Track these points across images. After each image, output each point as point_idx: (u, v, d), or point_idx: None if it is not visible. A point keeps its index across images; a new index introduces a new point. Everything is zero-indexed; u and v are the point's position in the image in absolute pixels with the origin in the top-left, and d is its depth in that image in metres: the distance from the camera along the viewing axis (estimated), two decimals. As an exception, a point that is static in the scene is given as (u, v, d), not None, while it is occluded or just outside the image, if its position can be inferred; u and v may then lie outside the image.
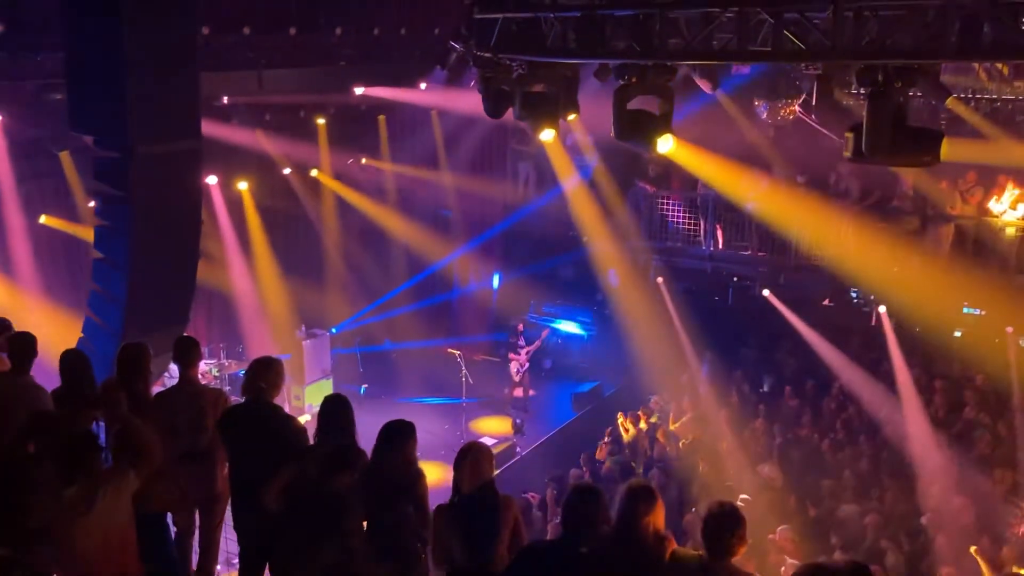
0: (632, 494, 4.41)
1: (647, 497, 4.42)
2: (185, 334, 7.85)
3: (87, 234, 10.43)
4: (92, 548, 4.43)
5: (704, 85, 9.05)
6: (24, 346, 6.08)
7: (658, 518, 4.40)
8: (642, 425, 13.42)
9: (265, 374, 5.62)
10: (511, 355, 15.89)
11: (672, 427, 13.15)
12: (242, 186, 14.52)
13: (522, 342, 15.87)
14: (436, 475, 12.66)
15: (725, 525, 4.23)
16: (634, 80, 7.07)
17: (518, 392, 15.87)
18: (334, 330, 16.27)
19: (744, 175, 14.81)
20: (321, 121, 15.44)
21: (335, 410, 5.31)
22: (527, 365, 15.88)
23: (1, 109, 10.59)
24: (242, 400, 5.74)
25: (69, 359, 6.13)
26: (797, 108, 12.87)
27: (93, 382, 6.11)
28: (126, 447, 4.78)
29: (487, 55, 8.04)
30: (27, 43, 10.12)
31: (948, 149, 6.30)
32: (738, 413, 13.18)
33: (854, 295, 15.10)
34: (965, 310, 14.66)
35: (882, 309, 13.89)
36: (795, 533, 9.71)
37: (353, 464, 4.89)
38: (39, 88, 10.66)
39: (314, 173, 15.98)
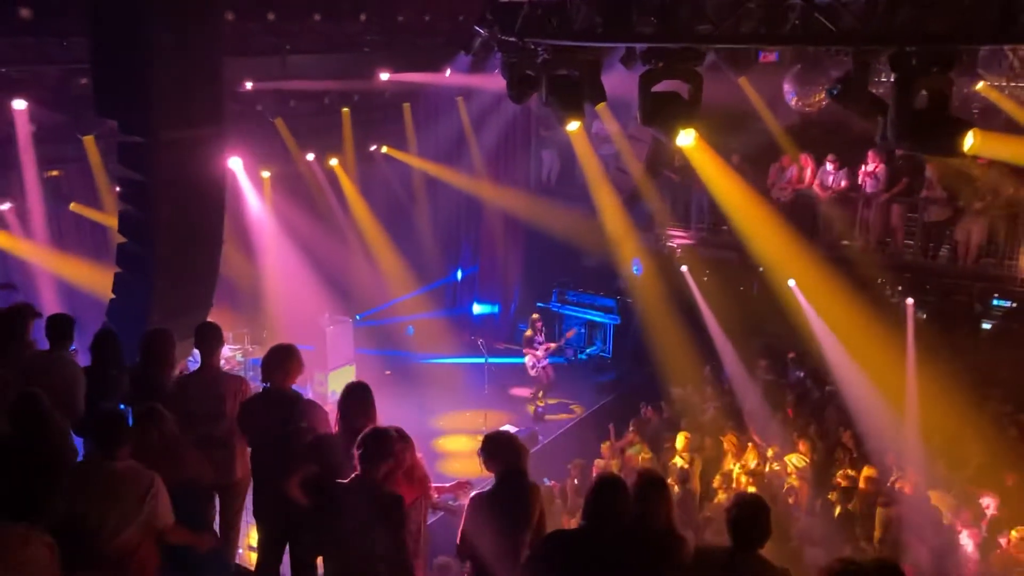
0: (644, 483, 4.39)
1: (660, 485, 4.42)
2: (209, 319, 7.88)
3: (112, 220, 10.47)
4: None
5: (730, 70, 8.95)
6: (59, 325, 6.19)
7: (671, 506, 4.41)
8: (665, 416, 13.35)
9: (284, 361, 5.60)
10: (526, 350, 15.27)
11: (699, 419, 13.08)
12: (265, 173, 14.54)
13: (540, 338, 15.34)
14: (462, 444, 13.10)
15: (752, 516, 4.17)
16: (660, 65, 6.98)
17: (534, 387, 15.51)
18: (358, 317, 16.27)
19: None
20: (345, 109, 15.42)
21: (357, 397, 5.27)
22: (545, 362, 15.23)
23: (28, 95, 10.62)
24: (263, 387, 5.73)
25: (99, 338, 6.29)
26: (825, 95, 12.66)
27: (121, 361, 6.16)
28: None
29: (512, 40, 7.98)
30: (54, 28, 10.16)
31: (982, 143, 6.17)
32: (762, 404, 13.06)
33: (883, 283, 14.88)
34: (995, 302, 14.45)
35: (909, 301, 13.70)
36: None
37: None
38: (65, 73, 10.71)
39: (334, 162, 15.95)
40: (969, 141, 5.97)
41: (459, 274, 18.93)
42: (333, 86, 14.61)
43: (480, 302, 18.87)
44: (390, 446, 4.68)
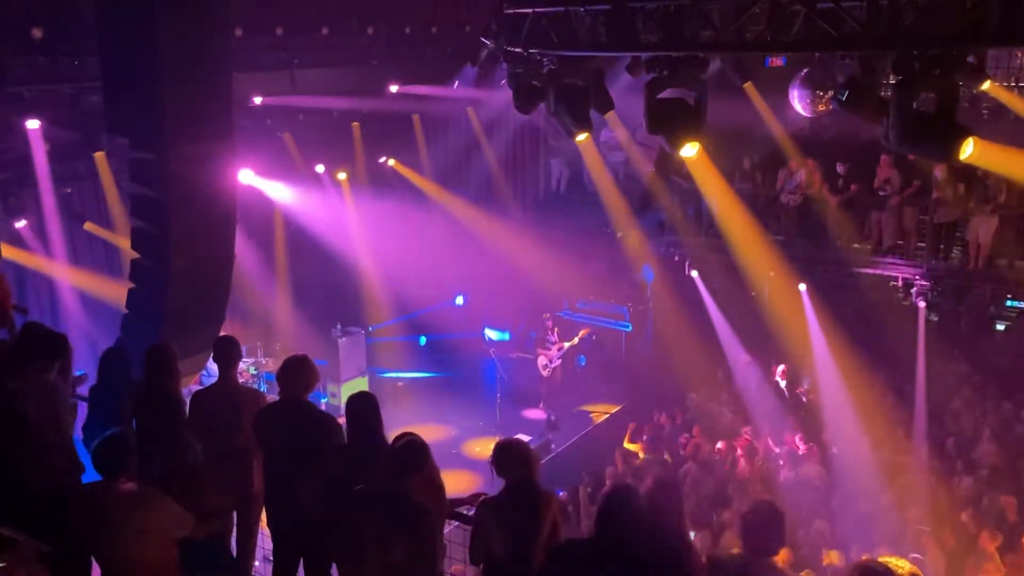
0: (657, 489, 4.39)
1: (672, 491, 4.42)
2: (223, 333, 7.94)
3: (124, 237, 10.55)
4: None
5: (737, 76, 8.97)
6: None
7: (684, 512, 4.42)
8: (679, 422, 13.33)
9: (300, 372, 5.64)
10: (539, 350, 15.39)
11: (714, 424, 13.07)
12: (277, 185, 14.61)
13: (554, 338, 15.42)
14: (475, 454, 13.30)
15: (766, 524, 4.18)
16: (665, 73, 7.01)
17: (547, 387, 15.51)
18: (370, 329, 16.30)
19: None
20: (355, 123, 15.49)
21: (363, 408, 5.30)
22: (558, 362, 15.35)
23: (41, 113, 10.73)
24: (277, 399, 5.76)
25: (105, 357, 6.28)
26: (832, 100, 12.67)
27: (129, 380, 6.20)
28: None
29: (517, 50, 8.03)
30: (65, 47, 10.27)
31: (982, 153, 6.16)
32: (776, 408, 13.04)
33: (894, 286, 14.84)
34: (1008, 303, 14.39)
35: (920, 304, 13.64)
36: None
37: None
38: (78, 91, 10.81)
39: (342, 176, 16.01)
40: (968, 149, 5.96)
41: (467, 296, 18.90)
42: (342, 100, 14.69)
43: (491, 327, 18.79)
44: (423, 458, 4.71)
